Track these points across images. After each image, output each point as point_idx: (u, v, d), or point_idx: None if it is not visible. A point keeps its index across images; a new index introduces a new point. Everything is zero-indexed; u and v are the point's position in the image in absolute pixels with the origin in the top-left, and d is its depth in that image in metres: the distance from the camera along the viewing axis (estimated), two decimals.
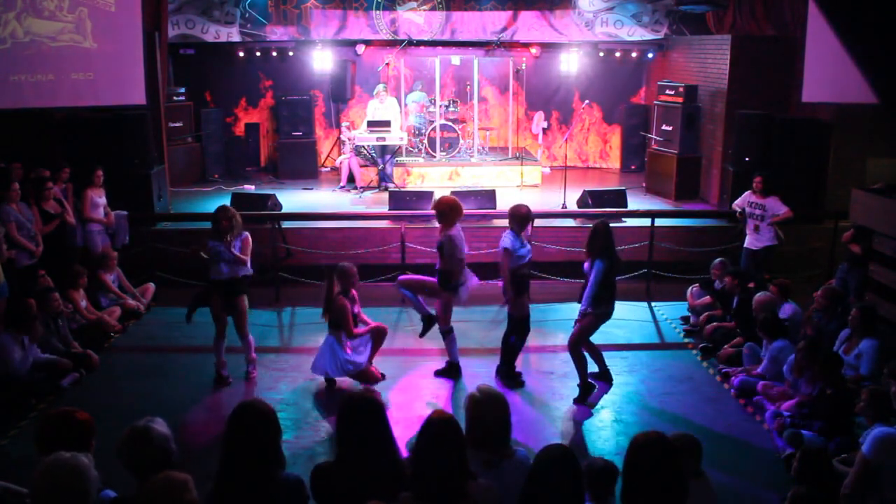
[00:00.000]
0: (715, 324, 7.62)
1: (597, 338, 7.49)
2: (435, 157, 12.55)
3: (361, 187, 11.86)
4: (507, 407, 3.28)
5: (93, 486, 2.65)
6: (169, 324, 8.16)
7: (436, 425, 2.91)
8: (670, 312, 8.66)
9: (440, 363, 7.19)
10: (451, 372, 6.92)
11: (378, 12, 12.99)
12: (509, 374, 6.76)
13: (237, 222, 6.62)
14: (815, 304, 7.04)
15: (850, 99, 8.95)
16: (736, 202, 8.76)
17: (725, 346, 7.27)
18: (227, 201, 10.15)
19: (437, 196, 7.63)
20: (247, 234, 6.74)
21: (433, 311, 6.93)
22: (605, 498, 3.66)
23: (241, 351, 7.21)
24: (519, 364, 6.90)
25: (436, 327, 6.94)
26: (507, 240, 6.47)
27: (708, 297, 8.16)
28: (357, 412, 3.07)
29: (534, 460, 3.02)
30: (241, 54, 13.35)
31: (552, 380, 6.90)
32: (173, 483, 2.47)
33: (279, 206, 10.26)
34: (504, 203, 10.44)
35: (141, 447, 2.97)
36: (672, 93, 11.73)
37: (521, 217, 6.60)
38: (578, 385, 6.50)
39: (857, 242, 7.80)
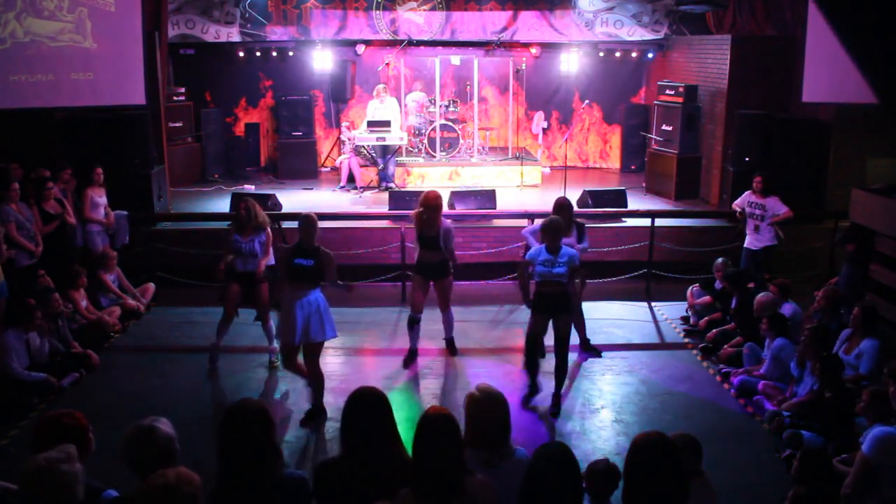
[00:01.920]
0: (716, 330, 7.60)
1: (598, 338, 7.53)
2: (435, 157, 12.55)
3: (361, 187, 11.85)
4: (507, 406, 3.28)
5: (76, 481, 2.66)
6: (169, 324, 8.16)
7: (432, 421, 2.92)
8: (670, 312, 8.65)
9: (440, 363, 7.22)
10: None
11: (378, 12, 13.00)
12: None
13: (254, 215, 6.95)
14: (816, 303, 7.04)
15: (850, 99, 8.95)
16: (736, 202, 8.75)
17: (725, 346, 7.27)
18: (227, 201, 10.23)
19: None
20: (268, 230, 7.11)
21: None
22: (606, 498, 3.67)
23: (238, 351, 7.25)
24: (520, 363, 6.89)
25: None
26: (531, 249, 6.39)
27: (708, 296, 8.17)
28: (363, 407, 3.07)
29: (531, 458, 3.02)
30: (241, 54, 13.34)
31: (552, 379, 6.86)
32: (167, 482, 2.47)
33: (279, 206, 10.26)
34: (504, 203, 10.46)
35: (144, 446, 2.96)
36: (672, 93, 11.73)
37: (544, 228, 6.25)
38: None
39: (850, 242, 7.79)
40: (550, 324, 6.25)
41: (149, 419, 3.05)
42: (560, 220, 6.26)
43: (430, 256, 6.94)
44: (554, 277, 6.07)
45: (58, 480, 2.61)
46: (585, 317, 7.46)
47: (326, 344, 7.51)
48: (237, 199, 10.18)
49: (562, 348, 6.25)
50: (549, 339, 7.04)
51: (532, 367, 6.37)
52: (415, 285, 7.14)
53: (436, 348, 7.51)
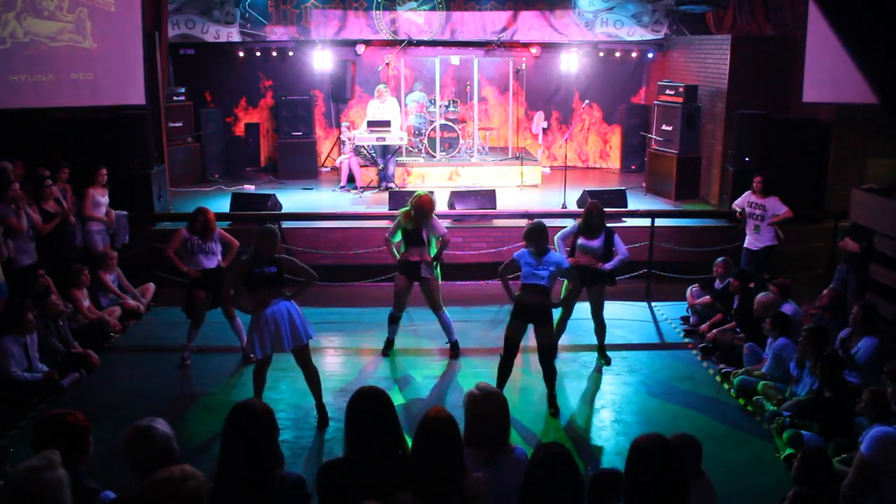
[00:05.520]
0: (716, 330, 7.59)
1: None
2: (435, 157, 12.55)
3: (361, 187, 11.85)
4: (506, 405, 3.28)
5: (61, 487, 2.59)
6: (169, 324, 8.16)
7: (432, 423, 2.92)
8: (670, 312, 8.65)
9: (440, 363, 7.22)
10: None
11: (378, 12, 12.99)
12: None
13: (208, 223, 7.08)
14: (818, 303, 7.05)
15: (850, 99, 8.95)
16: (736, 202, 8.76)
17: (718, 331, 7.44)
18: (227, 201, 10.25)
19: (435, 196, 7.61)
20: (218, 230, 7.25)
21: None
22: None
23: (237, 351, 7.25)
24: (519, 362, 6.86)
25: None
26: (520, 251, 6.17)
27: (708, 296, 8.17)
28: (367, 407, 3.07)
29: (530, 458, 3.03)
30: (241, 54, 13.35)
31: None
32: (171, 476, 2.47)
33: (279, 206, 10.26)
34: (504, 203, 10.46)
35: (143, 447, 2.98)
36: (672, 93, 11.72)
37: (526, 233, 6.13)
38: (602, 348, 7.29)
39: (854, 241, 7.80)
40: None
41: (146, 420, 3.06)
42: (540, 224, 6.17)
43: (412, 254, 7.02)
44: (538, 281, 5.97)
45: (41, 489, 2.55)
46: (584, 317, 7.44)
47: (326, 344, 7.58)
48: (236, 199, 10.22)
49: (546, 359, 6.15)
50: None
51: (502, 373, 6.17)
52: (398, 286, 7.15)
53: (436, 348, 7.51)
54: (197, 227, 7.05)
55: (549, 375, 6.21)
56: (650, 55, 13.79)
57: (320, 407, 6.04)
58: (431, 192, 7.43)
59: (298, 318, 5.80)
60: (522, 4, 13.06)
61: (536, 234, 6.05)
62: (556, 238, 7.02)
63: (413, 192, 7.40)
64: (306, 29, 12.94)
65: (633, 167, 13.81)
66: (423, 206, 6.93)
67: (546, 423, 6.10)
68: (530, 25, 13.16)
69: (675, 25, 13.02)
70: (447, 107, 12.91)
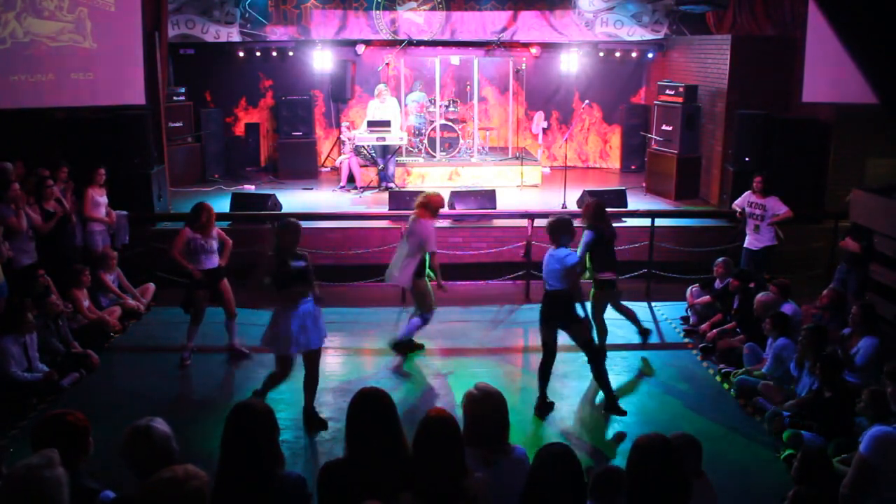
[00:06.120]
0: (716, 330, 7.59)
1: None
2: (435, 157, 12.55)
3: (361, 187, 11.85)
4: (506, 405, 3.28)
5: (60, 486, 2.60)
6: (169, 324, 8.15)
7: (433, 423, 2.91)
8: (670, 312, 8.65)
9: (440, 363, 7.22)
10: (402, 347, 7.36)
11: (378, 12, 12.99)
12: (541, 406, 6.23)
13: (212, 220, 7.14)
14: (818, 302, 7.05)
15: (850, 99, 8.95)
16: (736, 202, 8.76)
17: (724, 338, 7.34)
18: (227, 201, 10.24)
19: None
20: (217, 229, 7.28)
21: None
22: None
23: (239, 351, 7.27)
24: (520, 364, 6.89)
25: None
26: (572, 256, 5.96)
27: (708, 296, 8.18)
28: (368, 407, 3.07)
29: (534, 459, 3.02)
30: (241, 54, 13.35)
31: (552, 379, 6.85)
32: (175, 475, 2.47)
33: (279, 206, 10.26)
34: (504, 203, 10.46)
35: (142, 446, 2.98)
36: (672, 93, 11.72)
37: (558, 226, 6.03)
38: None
39: (854, 241, 7.79)
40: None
41: (144, 420, 3.06)
42: (559, 219, 6.09)
43: None
44: (549, 278, 6.00)
45: (40, 487, 2.55)
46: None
47: (326, 343, 7.52)
48: (236, 199, 10.23)
49: (587, 353, 6.09)
50: None
51: (541, 379, 6.20)
52: (428, 286, 7.16)
53: (436, 348, 7.51)
54: (201, 222, 7.03)
55: (595, 373, 6.18)
56: (650, 55, 13.79)
57: (309, 409, 5.96)
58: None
59: (321, 319, 5.83)
60: (522, 4, 13.06)
61: (554, 227, 5.99)
62: None
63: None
64: (306, 29, 12.94)
65: (633, 167, 13.81)
66: (437, 202, 7.21)
67: (546, 424, 6.09)
68: (530, 25, 13.16)
69: (675, 25, 13.02)
70: (447, 107, 12.91)
